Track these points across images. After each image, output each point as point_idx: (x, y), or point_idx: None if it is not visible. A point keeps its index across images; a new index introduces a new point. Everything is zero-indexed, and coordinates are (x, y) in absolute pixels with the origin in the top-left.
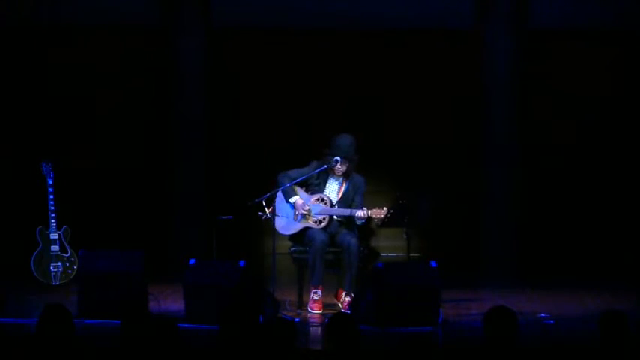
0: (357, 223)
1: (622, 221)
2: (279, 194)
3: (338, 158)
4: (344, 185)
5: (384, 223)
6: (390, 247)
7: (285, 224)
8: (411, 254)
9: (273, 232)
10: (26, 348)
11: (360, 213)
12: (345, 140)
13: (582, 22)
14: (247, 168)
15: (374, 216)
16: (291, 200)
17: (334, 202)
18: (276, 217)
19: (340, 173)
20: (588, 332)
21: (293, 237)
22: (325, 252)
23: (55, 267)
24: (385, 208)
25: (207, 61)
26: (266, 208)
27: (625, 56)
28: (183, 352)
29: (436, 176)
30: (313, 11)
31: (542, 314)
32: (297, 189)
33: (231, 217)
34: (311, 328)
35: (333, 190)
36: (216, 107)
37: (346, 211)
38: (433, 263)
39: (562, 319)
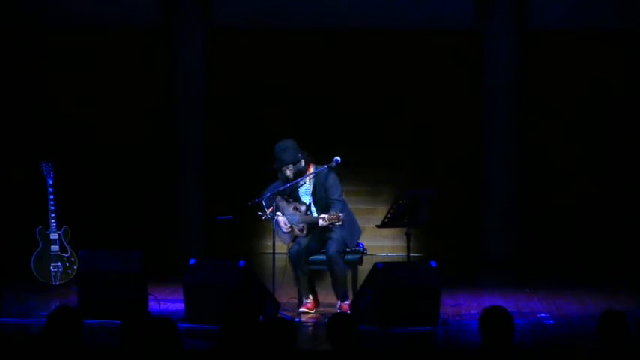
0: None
1: (622, 220)
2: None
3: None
4: (310, 184)
5: (384, 223)
6: (390, 247)
7: (284, 235)
8: (411, 254)
9: (274, 232)
10: (30, 347)
11: (320, 222)
12: (278, 148)
13: (582, 23)
14: (247, 167)
15: (330, 222)
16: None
17: (311, 203)
18: (277, 232)
19: (292, 178)
20: (588, 332)
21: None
22: (303, 263)
23: (55, 267)
24: (336, 214)
25: (207, 61)
26: (266, 209)
27: (626, 56)
28: (183, 352)
29: (436, 176)
30: (313, 11)
31: (542, 314)
32: (278, 201)
33: (231, 217)
34: (311, 328)
35: (305, 192)
36: (216, 107)
37: (314, 219)
38: (433, 263)
39: (562, 319)
